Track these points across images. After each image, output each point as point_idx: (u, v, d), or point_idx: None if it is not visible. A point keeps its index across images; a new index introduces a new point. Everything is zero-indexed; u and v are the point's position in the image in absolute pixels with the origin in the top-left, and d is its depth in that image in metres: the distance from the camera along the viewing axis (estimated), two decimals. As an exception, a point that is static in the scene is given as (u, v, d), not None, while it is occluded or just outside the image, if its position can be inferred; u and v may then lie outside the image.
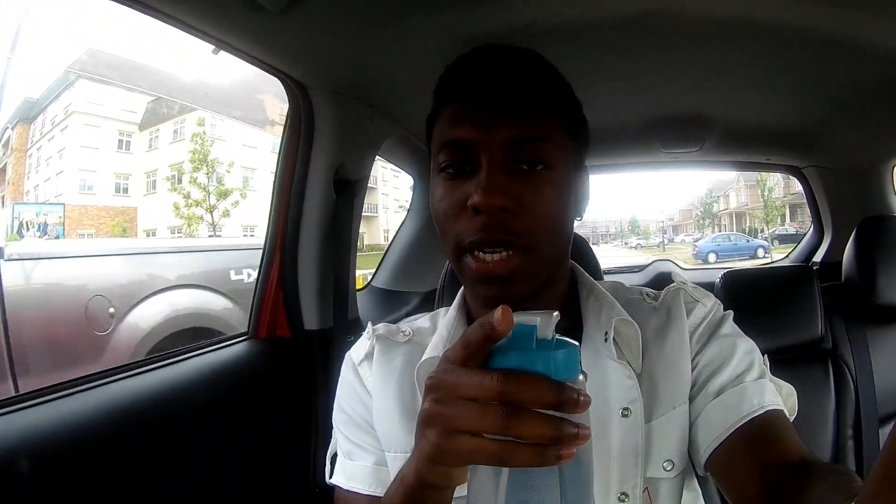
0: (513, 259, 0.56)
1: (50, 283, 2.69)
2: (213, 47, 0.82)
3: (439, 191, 0.60)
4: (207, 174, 11.50)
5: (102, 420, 0.82)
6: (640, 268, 2.45)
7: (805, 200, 2.20)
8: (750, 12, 0.92)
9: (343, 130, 1.15)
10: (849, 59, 1.08)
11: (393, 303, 1.72)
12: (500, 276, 0.56)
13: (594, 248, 0.98)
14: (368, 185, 1.32)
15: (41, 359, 2.51)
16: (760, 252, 18.96)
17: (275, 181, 1.17)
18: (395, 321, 0.73)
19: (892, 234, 1.37)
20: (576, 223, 0.66)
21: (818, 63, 1.12)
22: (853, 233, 1.44)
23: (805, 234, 2.33)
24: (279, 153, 1.16)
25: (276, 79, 1.04)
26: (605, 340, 0.61)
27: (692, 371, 0.62)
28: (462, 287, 0.69)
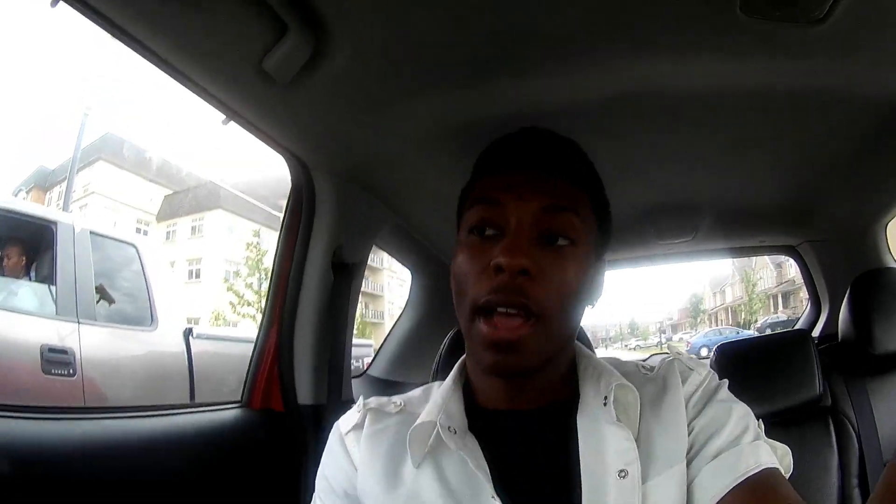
0: (523, 327, 0.57)
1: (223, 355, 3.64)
2: (223, 117, 0.86)
3: (463, 253, 0.63)
4: (260, 280, 12.80)
5: (77, 451, 0.81)
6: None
7: (794, 288, 2.21)
8: (727, 84, 0.97)
9: (343, 213, 1.18)
10: (832, 116, 1.11)
11: (388, 392, 1.65)
12: (509, 341, 0.57)
13: (595, 350, 0.98)
14: (378, 267, 1.33)
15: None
16: (750, 342, 19.60)
17: (276, 256, 1.18)
18: None
19: (886, 284, 1.37)
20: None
21: (802, 127, 1.17)
22: (847, 292, 1.44)
23: (797, 318, 2.31)
24: (280, 230, 1.18)
25: (282, 157, 1.08)
26: (605, 405, 0.62)
27: (689, 434, 0.62)
28: (461, 358, 0.71)
